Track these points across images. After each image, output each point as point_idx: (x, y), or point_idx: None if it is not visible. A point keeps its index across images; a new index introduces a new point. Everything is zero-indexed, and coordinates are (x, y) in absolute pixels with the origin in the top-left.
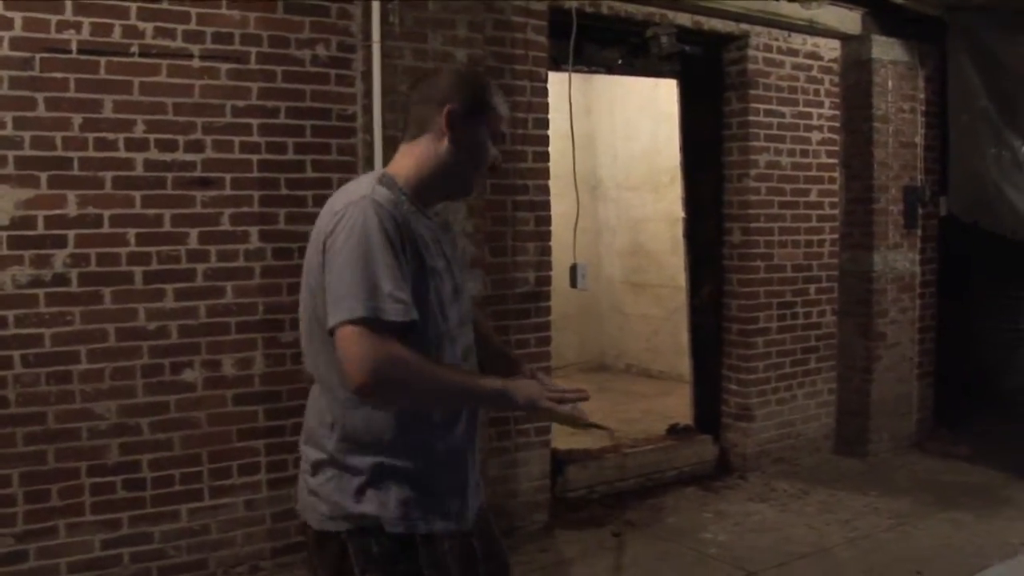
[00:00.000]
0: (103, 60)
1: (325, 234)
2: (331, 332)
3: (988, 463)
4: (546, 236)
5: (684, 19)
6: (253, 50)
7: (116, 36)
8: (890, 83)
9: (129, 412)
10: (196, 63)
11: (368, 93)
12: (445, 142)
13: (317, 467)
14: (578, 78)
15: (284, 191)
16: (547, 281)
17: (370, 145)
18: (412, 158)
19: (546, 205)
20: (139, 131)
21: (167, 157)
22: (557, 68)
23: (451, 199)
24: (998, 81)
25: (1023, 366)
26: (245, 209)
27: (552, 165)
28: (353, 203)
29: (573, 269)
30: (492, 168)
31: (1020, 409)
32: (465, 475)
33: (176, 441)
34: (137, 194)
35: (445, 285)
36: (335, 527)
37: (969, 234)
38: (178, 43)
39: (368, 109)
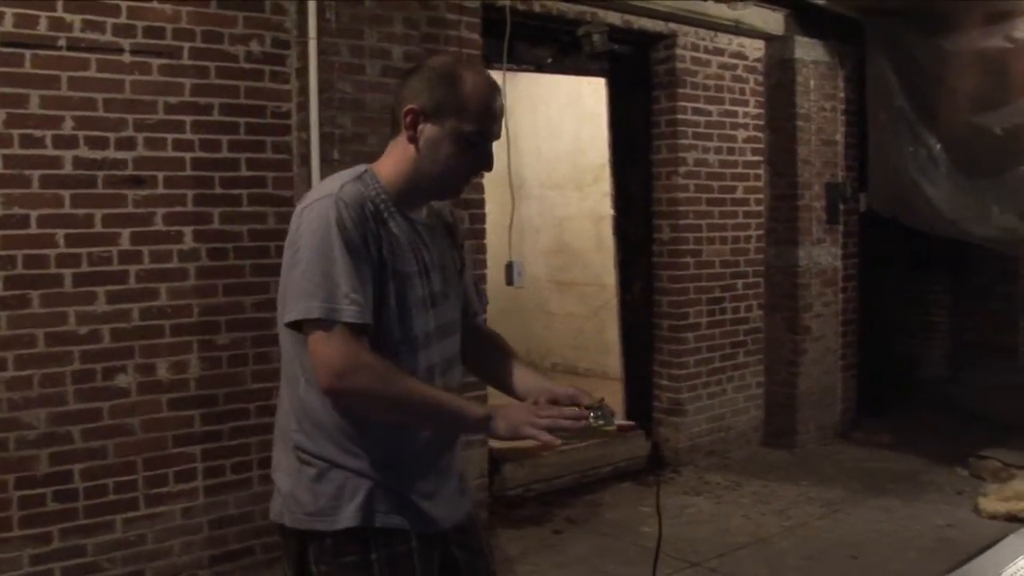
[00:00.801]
0: (28, 53)
1: (294, 229)
2: (290, 326)
3: (909, 450)
4: (481, 234)
5: (614, 18)
6: (186, 45)
7: (42, 28)
8: (812, 82)
9: (59, 420)
10: (127, 58)
11: (304, 90)
12: (409, 145)
13: (279, 459)
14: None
15: (218, 190)
16: (482, 280)
17: (306, 143)
18: (389, 159)
19: (480, 203)
20: (68, 128)
21: (97, 155)
22: (489, 66)
23: (439, 199)
24: (914, 81)
25: (936, 357)
26: (178, 208)
27: None
28: (319, 200)
29: (509, 267)
30: (481, 169)
31: (935, 397)
32: (437, 475)
33: (110, 449)
34: (66, 193)
35: (413, 291)
36: (291, 522)
37: (888, 229)
38: (108, 37)
39: (304, 106)
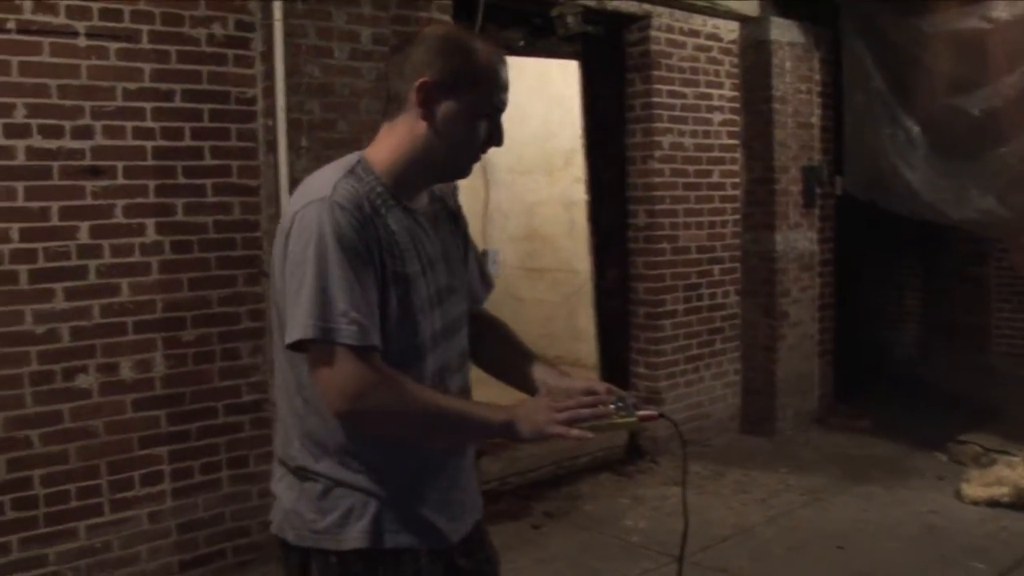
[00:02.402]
0: None
1: (284, 235)
2: (292, 347)
3: (888, 435)
4: None
5: None
6: (145, 28)
7: None
8: (788, 64)
9: (17, 424)
10: (82, 42)
11: (269, 74)
12: (422, 122)
13: (280, 470)
14: None
15: (181, 179)
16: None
17: (272, 129)
18: (390, 141)
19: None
20: (20, 116)
21: (52, 144)
22: None
23: (448, 181)
24: (891, 62)
25: (908, 340)
26: (140, 200)
27: None
28: (312, 204)
29: (483, 255)
30: (492, 145)
31: (909, 381)
32: (447, 485)
33: (71, 453)
34: (19, 185)
35: (418, 292)
36: (295, 538)
37: (862, 213)
38: (61, 19)
39: (270, 91)
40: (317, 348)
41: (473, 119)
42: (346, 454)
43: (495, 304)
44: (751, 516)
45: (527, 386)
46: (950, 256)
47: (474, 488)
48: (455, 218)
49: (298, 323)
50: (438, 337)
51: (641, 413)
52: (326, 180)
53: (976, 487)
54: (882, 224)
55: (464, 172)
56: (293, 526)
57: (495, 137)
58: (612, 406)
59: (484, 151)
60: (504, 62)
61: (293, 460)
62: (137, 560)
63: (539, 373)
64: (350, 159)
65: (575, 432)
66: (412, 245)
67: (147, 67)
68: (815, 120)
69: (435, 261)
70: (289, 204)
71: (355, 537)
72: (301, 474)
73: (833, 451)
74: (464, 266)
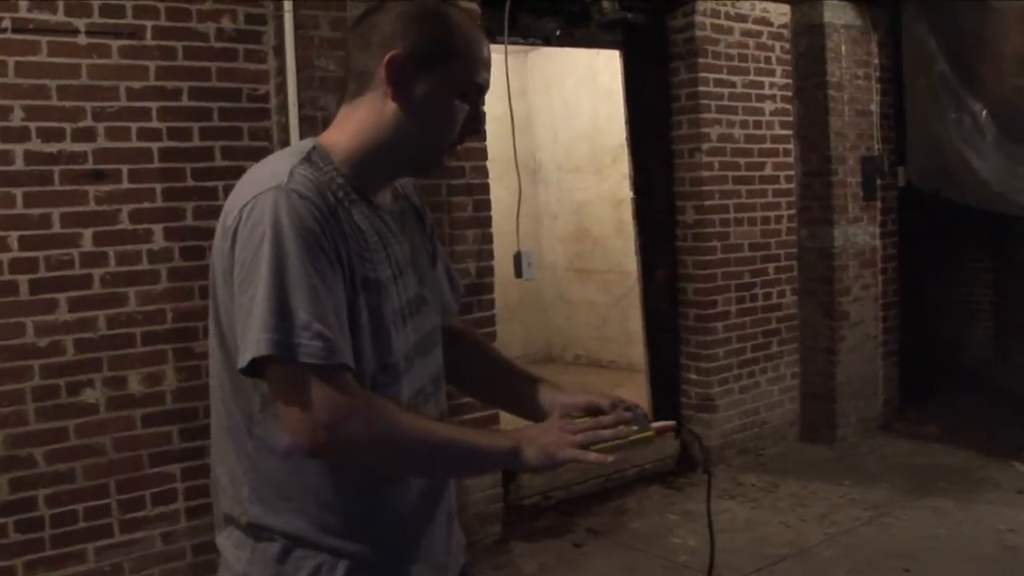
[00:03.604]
0: None
1: (230, 234)
2: (246, 372)
3: (959, 442)
4: (486, 223)
5: None
6: (149, 24)
7: None
8: (843, 48)
9: (20, 442)
10: (83, 40)
11: (282, 70)
12: (391, 103)
13: (225, 522)
14: (512, 57)
15: (191, 182)
16: (489, 272)
17: (285, 127)
18: (350, 125)
19: (485, 188)
20: (17, 119)
21: (52, 148)
22: (492, 40)
23: (412, 175)
24: (955, 44)
25: (980, 338)
26: (146, 204)
27: (488, 149)
28: (264, 193)
29: (517, 257)
30: (471, 132)
31: (981, 383)
32: (431, 531)
33: (78, 472)
34: (18, 191)
35: (389, 302)
36: None
37: (920, 205)
38: (59, 17)
39: (282, 87)
40: (276, 369)
41: (451, 98)
42: (314, 503)
43: (545, 306)
44: (809, 533)
45: (521, 406)
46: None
47: (456, 531)
48: (421, 218)
49: (250, 339)
50: (411, 356)
51: (656, 425)
52: (279, 167)
53: None
54: (948, 216)
55: (437, 162)
56: None
57: (474, 122)
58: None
59: (462, 140)
60: (484, 36)
61: (244, 515)
62: None
63: (537, 392)
64: (303, 145)
65: (592, 456)
66: (382, 247)
67: (152, 65)
68: (874, 107)
69: (404, 267)
70: (231, 197)
71: None
72: (253, 532)
73: (899, 460)
74: (433, 271)
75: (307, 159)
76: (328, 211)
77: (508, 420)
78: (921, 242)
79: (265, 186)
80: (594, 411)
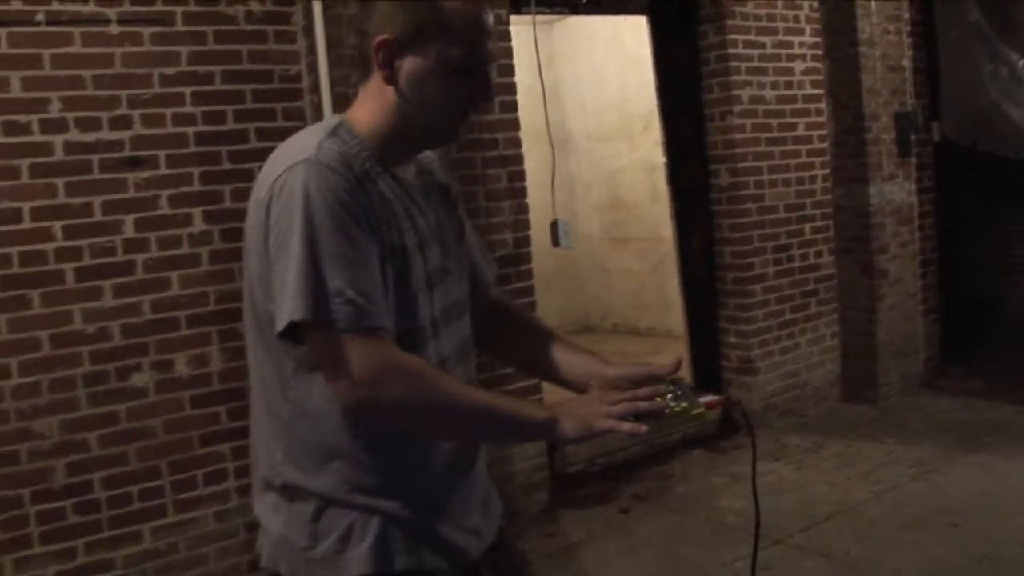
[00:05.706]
0: (4, 32)
1: (264, 208)
2: (284, 336)
3: (1004, 397)
4: (521, 193)
5: None
6: (178, 10)
7: (16, 3)
8: (873, 4)
9: (74, 427)
10: (114, 29)
11: (312, 49)
12: (388, 87)
13: (262, 489)
14: (537, 28)
15: (227, 165)
16: (526, 242)
17: (319, 106)
18: (367, 105)
19: (519, 159)
20: (55, 110)
21: (90, 137)
22: (518, 11)
23: (430, 149)
24: None
25: (1020, 294)
26: (184, 189)
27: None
28: (295, 166)
29: (554, 226)
30: (481, 102)
31: (1022, 338)
32: (463, 492)
33: (131, 454)
34: (59, 181)
35: (414, 269)
36: (289, 571)
37: (963, 158)
38: (91, 8)
39: (313, 67)
40: (313, 335)
41: (444, 76)
42: (348, 463)
43: (582, 276)
44: (855, 492)
45: (563, 377)
46: None
47: (493, 491)
48: (446, 193)
49: (286, 305)
50: (438, 323)
51: (705, 400)
52: (307, 141)
53: None
54: (985, 168)
55: (451, 136)
56: (286, 557)
57: (482, 92)
58: (668, 393)
59: (472, 109)
60: (483, 6)
61: (279, 477)
62: (205, 561)
63: (577, 362)
64: (330, 122)
65: (627, 426)
66: (407, 216)
67: (184, 50)
68: (906, 62)
69: (428, 238)
70: (263, 172)
71: (357, 562)
72: (289, 493)
73: (943, 417)
74: (459, 247)
75: (334, 134)
76: (356, 182)
77: (551, 392)
78: (959, 198)
79: (295, 159)
80: (639, 383)
